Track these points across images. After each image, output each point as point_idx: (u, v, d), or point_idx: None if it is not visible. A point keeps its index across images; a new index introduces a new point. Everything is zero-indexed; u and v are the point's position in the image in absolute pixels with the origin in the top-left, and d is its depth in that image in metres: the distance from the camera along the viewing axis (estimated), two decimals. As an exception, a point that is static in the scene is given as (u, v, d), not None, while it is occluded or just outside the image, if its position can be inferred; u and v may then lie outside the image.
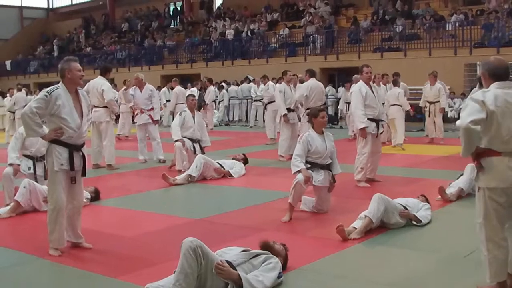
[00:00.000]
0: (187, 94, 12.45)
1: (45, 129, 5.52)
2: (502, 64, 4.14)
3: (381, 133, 8.94)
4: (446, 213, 6.93)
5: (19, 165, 7.70)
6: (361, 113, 8.44)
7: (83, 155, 5.62)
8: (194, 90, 19.79)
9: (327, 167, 6.92)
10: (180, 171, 9.78)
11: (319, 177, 6.81)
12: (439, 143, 13.66)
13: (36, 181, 7.67)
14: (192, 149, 10.08)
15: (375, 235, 5.89)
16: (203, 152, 10.10)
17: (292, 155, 7.21)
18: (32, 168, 7.88)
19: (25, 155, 7.88)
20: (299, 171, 6.63)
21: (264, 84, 16.33)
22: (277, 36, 26.46)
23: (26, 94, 19.41)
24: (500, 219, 4.03)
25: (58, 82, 5.63)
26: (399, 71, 14.98)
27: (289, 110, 11.53)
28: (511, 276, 4.11)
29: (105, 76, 10.75)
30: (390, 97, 13.28)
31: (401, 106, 13.20)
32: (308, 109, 10.86)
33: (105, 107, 10.55)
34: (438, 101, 13.96)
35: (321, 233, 6.15)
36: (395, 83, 13.67)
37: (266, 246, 4.73)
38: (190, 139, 10.11)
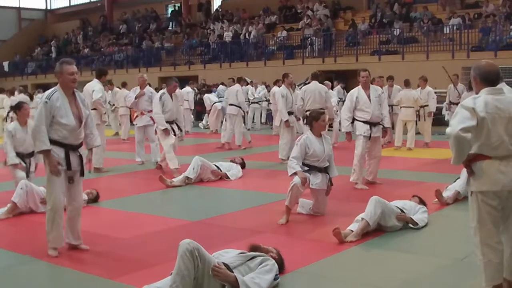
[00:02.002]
0: (167, 80, 12.11)
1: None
2: (494, 68, 4.15)
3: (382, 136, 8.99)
4: (443, 216, 6.94)
5: (18, 163, 7.84)
6: (345, 117, 8.73)
7: (80, 155, 5.63)
8: (190, 91, 19.77)
9: (325, 170, 6.93)
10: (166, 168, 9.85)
11: (317, 180, 6.82)
12: (434, 147, 13.70)
13: (27, 177, 7.79)
14: (172, 131, 10.24)
15: (371, 238, 5.90)
16: (181, 130, 10.41)
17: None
18: (24, 163, 7.99)
19: (16, 152, 7.97)
20: (295, 173, 6.65)
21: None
22: (275, 38, 26.48)
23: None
24: (494, 222, 4.04)
25: (56, 83, 5.67)
26: (397, 74, 15.01)
27: (289, 113, 11.51)
28: (507, 280, 4.12)
29: (101, 80, 10.70)
30: (405, 99, 13.32)
31: (413, 107, 13.29)
32: (307, 111, 10.91)
33: (95, 109, 10.53)
34: (427, 105, 14.05)
35: (317, 235, 6.16)
36: (407, 85, 13.69)
37: (255, 248, 4.75)
38: (168, 122, 10.24)
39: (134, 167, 11.30)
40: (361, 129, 8.62)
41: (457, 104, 15.39)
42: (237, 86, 14.47)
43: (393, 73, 15.51)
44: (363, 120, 8.60)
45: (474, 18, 21.97)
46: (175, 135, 10.23)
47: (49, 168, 5.45)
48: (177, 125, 10.39)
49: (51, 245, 5.54)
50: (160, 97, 10.26)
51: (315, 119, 6.92)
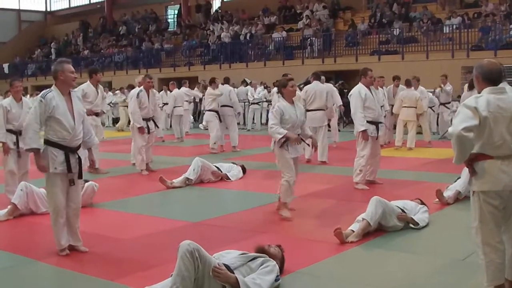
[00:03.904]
0: (140, 77, 11.90)
1: (42, 142, 5.54)
2: (496, 67, 4.14)
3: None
4: (444, 216, 6.93)
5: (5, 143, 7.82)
6: (361, 115, 8.49)
7: (79, 157, 5.61)
8: (185, 90, 19.65)
9: None
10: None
11: (292, 149, 6.97)
12: (434, 146, 13.72)
13: (20, 156, 7.82)
14: (147, 128, 10.47)
15: (372, 238, 5.89)
16: (157, 127, 10.97)
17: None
18: (16, 143, 7.87)
19: (7, 130, 7.86)
20: (283, 137, 6.76)
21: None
22: (275, 39, 26.46)
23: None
24: (496, 222, 4.03)
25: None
26: (397, 74, 14.98)
27: None
28: (509, 280, 4.10)
29: (91, 79, 10.52)
30: (407, 99, 13.32)
31: (415, 108, 13.30)
32: (309, 111, 10.97)
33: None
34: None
35: (318, 236, 6.15)
36: (408, 85, 13.68)
37: (261, 251, 4.72)
38: (144, 119, 10.45)
39: (133, 168, 11.27)
40: (368, 130, 8.58)
41: (444, 104, 15.43)
42: (227, 86, 14.31)
43: (393, 73, 15.49)
44: (369, 119, 8.56)
45: (474, 17, 21.96)
46: (149, 132, 10.56)
47: (38, 166, 5.47)
48: (154, 122, 10.70)
49: (57, 246, 5.55)
50: (138, 94, 10.44)
51: (283, 86, 7.04)
